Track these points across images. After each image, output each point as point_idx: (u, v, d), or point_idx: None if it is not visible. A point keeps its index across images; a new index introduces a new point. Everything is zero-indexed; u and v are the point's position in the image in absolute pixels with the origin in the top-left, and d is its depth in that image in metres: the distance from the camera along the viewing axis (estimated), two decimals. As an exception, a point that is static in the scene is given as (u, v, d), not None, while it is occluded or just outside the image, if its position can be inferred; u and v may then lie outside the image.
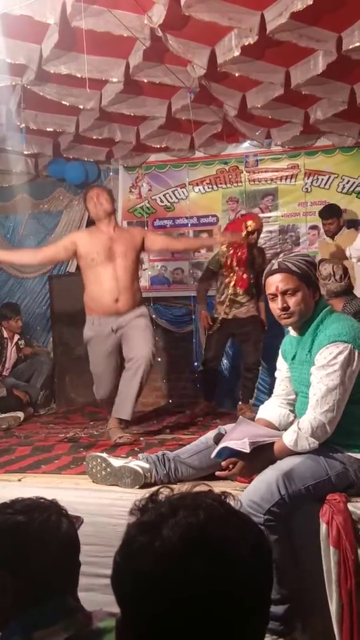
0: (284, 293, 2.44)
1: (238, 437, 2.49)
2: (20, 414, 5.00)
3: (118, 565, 0.87)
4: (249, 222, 4.93)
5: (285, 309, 2.45)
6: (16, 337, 5.88)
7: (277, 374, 2.82)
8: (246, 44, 3.67)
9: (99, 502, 2.65)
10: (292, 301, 2.44)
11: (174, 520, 0.83)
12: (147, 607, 0.81)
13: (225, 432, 2.65)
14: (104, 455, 2.85)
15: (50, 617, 1.24)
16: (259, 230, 5.07)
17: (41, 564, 1.30)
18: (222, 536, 0.83)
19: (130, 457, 2.89)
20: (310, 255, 3.96)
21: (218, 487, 2.79)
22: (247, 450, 2.40)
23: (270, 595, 0.90)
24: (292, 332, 2.62)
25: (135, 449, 3.56)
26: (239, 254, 4.89)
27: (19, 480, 2.97)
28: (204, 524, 0.83)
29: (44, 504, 1.41)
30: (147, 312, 4.35)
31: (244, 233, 4.81)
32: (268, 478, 2.31)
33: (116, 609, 0.90)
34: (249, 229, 4.88)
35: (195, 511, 0.85)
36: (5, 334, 5.84)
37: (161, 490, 0.93)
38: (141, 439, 3.96)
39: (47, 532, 1.33)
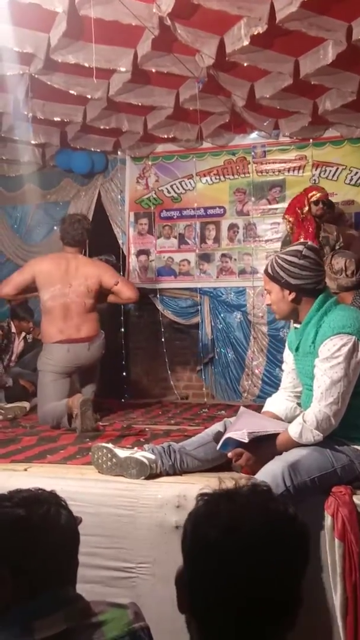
0: (267, 291, 2.62)
1: (240, 427, 2.50)
2: (26, 404, 5.00)
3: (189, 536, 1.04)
4: (312, 193, 4.85)
5: (269, 305, 2.64)
6: (23, 333, 5.90)
7: (283, 366, 2.82)
8: (255, 33, 3.64)
9: (105, 493, 2.66)
10: (268, 299, 2.62)
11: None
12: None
13: (228, 426, 2.65)
14: (110, 445, 2.85)
15: (49, 607, 1.25)
16: (324, 201, 4.96)
17: (40, 556, 1.30)
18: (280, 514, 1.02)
19: (135, 448, 2.89)
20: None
21: (222, 479, 2.77)
22: (245, 440, 2.40)
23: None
24: (295, 324, 2.61)
25: (141, 439, 3.56)
26: (307, 227, 4.80)
27: (25, 470, 2.98)
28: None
29: (42, 495, 1.41)
30: (39, 362, 4.46)
31: (305, 208, 4.71)
32: (274, 469, 2.30)
33: (120, 600, 0.91)
34: (313, 199, 4.80)
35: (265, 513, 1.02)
36: (14, 329, 5.88)
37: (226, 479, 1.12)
38: (147, 429, 3.97)
39: (46, 524, 1.34)
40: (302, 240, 4.62)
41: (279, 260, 2.52)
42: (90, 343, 4.40)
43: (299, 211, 4.98)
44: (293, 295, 2.51)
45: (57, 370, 4.33)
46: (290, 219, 5.07)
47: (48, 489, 1.47)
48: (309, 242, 2.69)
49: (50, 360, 4.33)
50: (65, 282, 4.37)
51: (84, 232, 4.53)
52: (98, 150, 6.14)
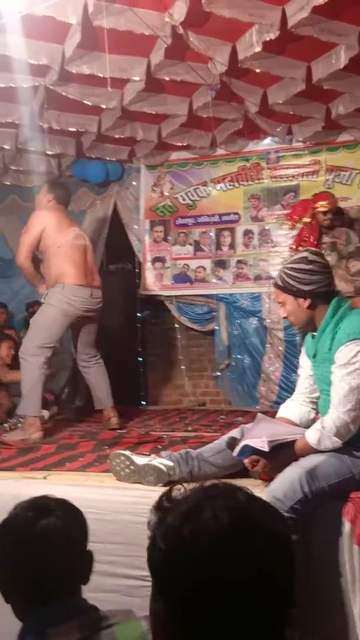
0: (281, 304, 2.61)
1: (258, 434, 2.49)
2: (46, 412, 5.03)
3: (166, 554, 0.86)
4: (319, 204, 4.79)
5: (285, 318, 2.62)
6: None
7: (299, 371, 2.81)
8: (267, 39, 3.65)
9: (123, 500, 2.66)
10: (284, 312, 2.60)
11: (216, 503, 0.86)
12: (206, 590, 0.81)
13: (242, 436, 2.65)
14: (128, 453, 2.86)
15: (62, 616, 1.25)
16: (332, 210, 4.89)
17: (54, 564, 1.31)
18: (264, 515, 0.89)
19: (153, 455, 2.89)
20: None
21: (240, 485, 2.77)
22: (265, 449, 2.40)
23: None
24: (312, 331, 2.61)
25: (159, 446, 3.56)
26: (307, 235, 4.74)
27: (44, 478, 3.00)
28: (246, 504, 0.87)
29: (56, 504, 1.42)
30: (52, 297, 4.34)
31: (306, 218, 4.67)
32: (291, 475, 2.30)
33: (138, 611, 0.90)
34: (320, 209, 4.74)
35: (234, 494, 0.89)
36: None
37: (175, 487, 0.95)
38: (164, 436, 3.97)
39: (58, 533, 1.34)
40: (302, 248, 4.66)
41: (287, 271, 2.53)
42: (100, 291, 4.51)
43: (296, 218, 4.95)
44: (308, 301, 2.51)
45: (72, 313, 4.31)
46: (291, 223, 5.05)
47: (67, 496, 1.49)
48: (311, 248, 2.69)
49: (72, 301, 4.29)
50: (75, 228, 4.56)
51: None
52: (113, 159, 6.18)
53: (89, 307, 4.39)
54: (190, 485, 0.94)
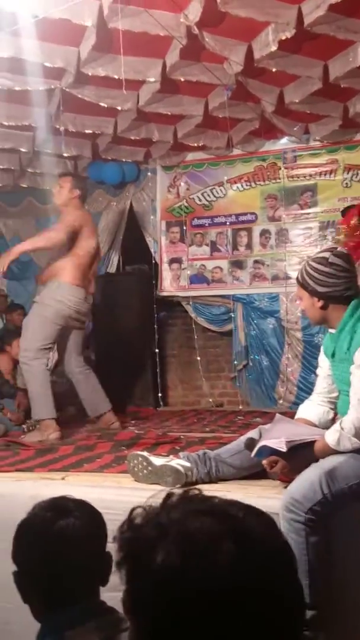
0: (299, 298, 2.68)
1: (276, 435, 2.48)
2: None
3: (134, 571, 0.79)
4: None
5: (303, 311, 2.71)
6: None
7: (318, 371, 2.79)
8: (283, 38, 3.64)
9: (141, 502, 2.66)
10: (302, 305, 2.67)
11: (189, 522, 0.77)
12: (179, 608, 0.73)
13: (260, 437, 2.63)
14: (145, 453, 2.85)
15: (80, 618, 1.26)
16: None
17: (72, 565, 1.31)
18: (248, 530, 0.77)
19: (171, 456, 2.89)
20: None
21: (259, 486, 2.76)
22: (283, 449, 2.39)
23: (302, 594, 0.84)
24: (330, 329, 2.58)
25: (176, 447, 3.56)
26: (356, 243, 4.66)
27: (62, 479, 3.01)
28: (240, 521, 0.78)
29: (75, 504, 1.42)
30: (46, 296, 4.33)
31: (354, 220, 4.57)
32: (311, 476, 2.28)
33: None
34: None
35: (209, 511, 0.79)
36: None
37: (135, 511, 0.86)
38: (182, 437, 3.96)
39: (76, 533, 1.34)
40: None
41: (308, 268, 2.52)
42: (92, 298, 4.57)
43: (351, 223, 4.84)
44: (321, 302, 2.49)
45: (65, 313, 4.28)
46: (344, 228, 4.96)
47: (85, 497, 1.48)
48: (338, 248, 2.64)
49: (67, 300, 4.26)
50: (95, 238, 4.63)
51: None
52: (129, 160, 6.20)
53: (81, 309, 4.40)
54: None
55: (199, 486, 0.96)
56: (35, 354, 4.18)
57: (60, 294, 4.28)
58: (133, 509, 0.86)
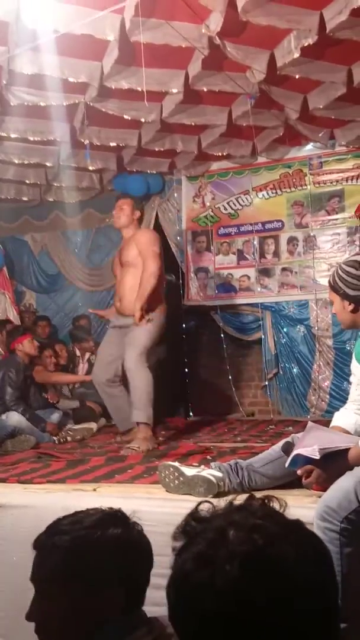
0: (330, 301, 2.68)
1: (309, 443, 2.44)
2: (94, 425, 5.07)
3: (176, 602, 0.85)
4: None
5: (335, 314, 2.68)
6: (87, 354, 6.01)
7: (352, 378, 2.74)
8: (305, 44, 3.63)
9: (173, 512, 2.64)
10: (333, 309, 2.66)
11: (227, 549, 0.79)
12: None
13: (295, 441, 2.60)
14: (176, 464, 2.84)
15: (134, 625, 1.28)
16: None
17: (132, 573, 1.34)
18: (281, 559, 0.79)
19: (202, 466, 2.86)
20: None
21: (293, 495, 2.71)
22: (316, 456, 2.34)
23: (338, 603, 0.86)
24: (361, 335, 2.56)
25: (208, 457, 3.53)
26: None
27: (94, 490, 3.00)
28: (261, 549, 0.79)
29: (122, 514, 1.43)
30: (154, 317, 4.34)
31: None
32: (346, 485, 2.23)
33: None
34: None
35: (248, 535, 0.80)
36: (78, 352, 6.02)
37: (200, 507, 0.91)
38: (213, 447, 3.94)
39: (144, 540, 1.39)
40: None
41: (339, 271, 2.51)
42: None
43: None
44: (352, 306, 2.47)
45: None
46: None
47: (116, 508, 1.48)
48: None
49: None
50: None
51: None
52: (154, 172, 6.23)
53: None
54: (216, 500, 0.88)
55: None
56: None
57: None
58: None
